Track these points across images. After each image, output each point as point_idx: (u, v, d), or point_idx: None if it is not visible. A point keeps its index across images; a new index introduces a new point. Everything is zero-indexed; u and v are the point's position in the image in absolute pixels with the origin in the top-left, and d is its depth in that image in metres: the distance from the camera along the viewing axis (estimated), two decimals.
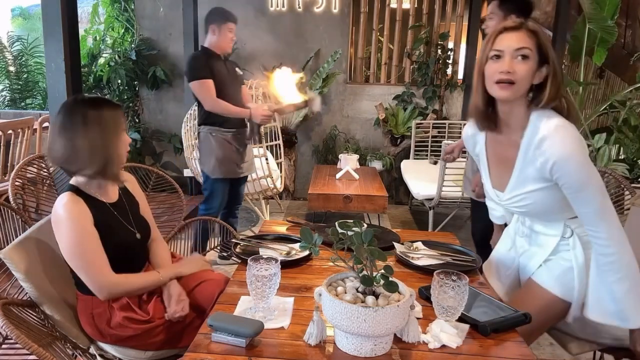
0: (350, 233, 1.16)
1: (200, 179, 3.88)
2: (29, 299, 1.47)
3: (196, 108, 3.99)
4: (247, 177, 3.21)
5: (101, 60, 5.16)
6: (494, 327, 1.22)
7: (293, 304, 1.36)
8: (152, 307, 1.51)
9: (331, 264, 1.58)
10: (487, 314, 1.30)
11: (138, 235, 1.60)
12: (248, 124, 2.87)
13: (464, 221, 4.45)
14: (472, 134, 1.62)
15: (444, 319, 1.21)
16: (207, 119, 2.86)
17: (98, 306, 1.49)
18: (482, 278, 1.62)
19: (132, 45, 5.02)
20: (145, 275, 1.55)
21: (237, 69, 3.00)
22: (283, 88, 2.73)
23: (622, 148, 5.41)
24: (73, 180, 1.51)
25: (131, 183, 1.71)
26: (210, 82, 2.74)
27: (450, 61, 4.96)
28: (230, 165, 2.92)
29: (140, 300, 1.53)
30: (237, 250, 1.73)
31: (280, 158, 4.31)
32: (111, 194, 1.58)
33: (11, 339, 1.19)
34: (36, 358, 1.14)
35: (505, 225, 1.77)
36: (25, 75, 5.86)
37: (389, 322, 1.07)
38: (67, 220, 1.40)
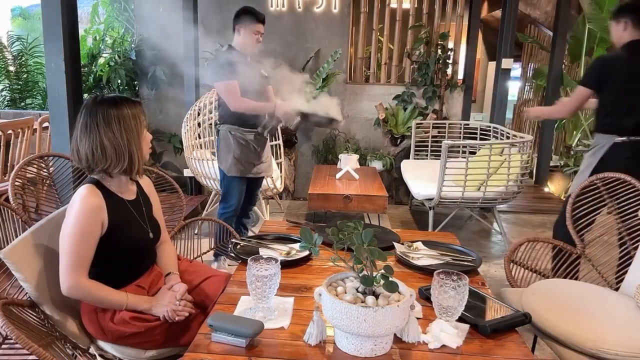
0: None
1: (204, 180, 3.89)
2: (29, 299, 1.47)
3: (196, 108, 4.03)
4: (263, 178, 3.20)
5: (101, 60, 5.16)
6: (494, 327, 1.22)
7: (293, 304, 1.36)
8: None
9: (331, 264, 1.58)
10: (487, 314, 1.30)
11: (151, 235, 1.63)
12: (267, 116, 2.85)
13: (464, 221, 4.45)
14: None
15: (444, 319, 1.21)
16: (228, 118, 2.85)
17: None
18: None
19: (132, 45, 5.02)
20: (114, 293, 1.48)
21: (262, 70, 2.94)
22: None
23: None
24: (95, 175, 1.52)
25: (147, 184, 1.73)
26: (234, 83, 2.70)
27: (450, 61, 4.97)
28: (247, 165, 2.92)
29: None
30: (237, 249, 1.73)
31: (280, 158, 4.30)
32: (129, 192, 1.60)
33: (11, 339, 1.19)
34: (36, 358, 1.14)
35: None
36: (25, 75, 5.86)
37: (389, 322, 1.07)
38: (78, 212, 1.42)
